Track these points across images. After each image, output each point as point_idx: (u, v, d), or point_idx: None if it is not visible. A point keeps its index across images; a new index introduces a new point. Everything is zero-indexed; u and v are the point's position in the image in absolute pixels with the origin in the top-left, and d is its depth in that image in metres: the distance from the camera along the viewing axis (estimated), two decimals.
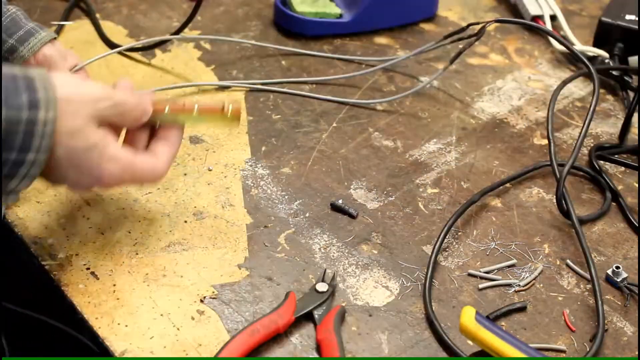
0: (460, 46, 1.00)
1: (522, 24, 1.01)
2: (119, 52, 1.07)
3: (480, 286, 0.77)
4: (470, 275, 0.79)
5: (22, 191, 0.65)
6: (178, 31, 1.06)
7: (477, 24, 0.97)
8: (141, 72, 1.05)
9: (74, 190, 0.72)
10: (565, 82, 0.95)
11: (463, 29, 0.99)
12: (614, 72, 1.06)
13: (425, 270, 0.78)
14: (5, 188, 0.64)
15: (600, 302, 0.74)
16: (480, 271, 0.79)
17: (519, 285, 0.78)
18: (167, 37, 1.07)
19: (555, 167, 0.85)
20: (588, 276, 0.78)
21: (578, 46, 1.11)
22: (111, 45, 1.08)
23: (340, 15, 1.14)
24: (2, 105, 0.60)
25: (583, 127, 0.87)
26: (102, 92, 0.69)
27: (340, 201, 0.86)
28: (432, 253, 0.79)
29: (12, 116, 0.61)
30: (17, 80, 0.62)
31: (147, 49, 1.07)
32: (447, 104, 1.03)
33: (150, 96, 0.74)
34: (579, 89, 1.06)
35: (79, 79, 0.69)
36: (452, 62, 0.99)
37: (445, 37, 1.01)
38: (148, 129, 0.75)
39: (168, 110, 0.74)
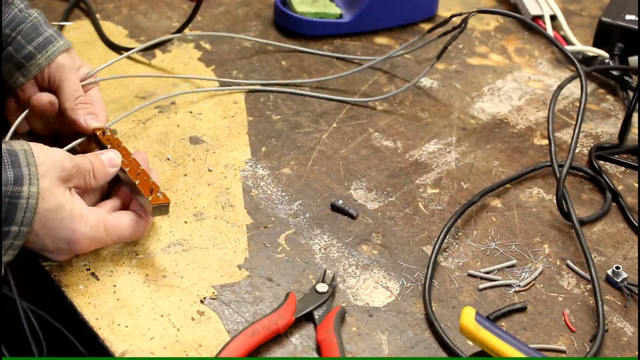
0: (461, 46, 1.00)
1: (504, 14, 1.00)
2: (115, 53, 1.07)
3: (480, 286, 0.77)
4: (470, 275, 0.79)
5: (5, 263, 0.68)
6: (179, 30, 1.06)
7: (460, 14, 0.97)
8: (141, 72, 1.05)
9: (57, 258, 0.75)
10: (563, 83, 0.95)
11: (446, 21, 0.99)
12: (614, 72, 1.06)
13: (425, 270, 0.78)
14: None
15: (600, 303, 0.74)
16: (480, 271, 0.79)
17: (519, 285, 0.78)
18: (170, 36, 1.06)
19: (556, 167, 0.85)
20: (588, 276, 0.79)
21: (578, 46, 1.11)
22: (111, 45, 1.08)
23: (340, 15, 1.14)
24: None
25: (575, 127, 0.87)
26: (66, 156, 0.72)
27: (340, 201, 0.86)
28: (432, 253, 0.79)
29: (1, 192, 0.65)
30: (5, 153, 0.67)
31: (151, 48, 1.07)
32: (447, 104, 1.03)
33: (112, 157, 0.78)
34: (578, 89, 1.06)
35: (46, 147, 0.72)
36: (438, 57, 1.00)
37: (429, 31, 1.01)
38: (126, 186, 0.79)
39: (123, 173, 0.78)
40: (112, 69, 1.00)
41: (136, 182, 0.77)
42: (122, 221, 0.75)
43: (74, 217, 0.71)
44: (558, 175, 0.84)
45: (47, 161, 0.70)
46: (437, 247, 0.80)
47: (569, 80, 0.97)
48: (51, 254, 0.74)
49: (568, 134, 0.98)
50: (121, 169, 0.78)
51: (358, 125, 0.98)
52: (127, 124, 0.95)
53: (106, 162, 0.77)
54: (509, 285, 0.78)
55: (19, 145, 0.69)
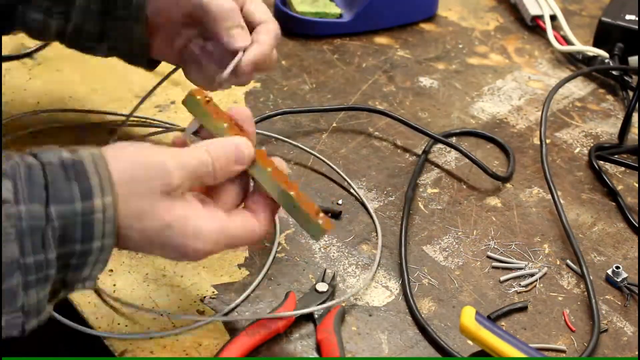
0: (461, 46, 0.99)
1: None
2: None
3: (502, 278, 0.78)
4: (489, 257, 0.80)
5: (98, 276, 0.60)
6: None
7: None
8: (141, 72, 1.05)
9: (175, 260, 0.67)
10: (559, 84, 0.96)
11: None
12: (614, 72, 1.06)
13: (425, 270, 0.78)
14: (79, 278, 0.58)
15: (594, 301, 0.75)
16: (495, 254, 0.79)
17: (520, 285, 0.78)
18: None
19: (547, 168, 0.86)
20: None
21: (578, 46, 1.11)
22: None
23: (340, 15, 1.14)
24: (51, 201, 0.54)
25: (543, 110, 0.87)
26: (171, 163, 0.59)
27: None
28: (401, 230, 0.79)
29: (64, 211, 0.54)
30: (66, 167, 0.56)
31: None
32: (447, 104, 1.03)
33: (241, 148, 0.63)
34: (578, 89, 1.06)
35: (140, 146, 0.60)
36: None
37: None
38: (245, 178, 0.65)
39: (263, 173, 0.64)
40: (112, 70, 1.00)
41: (291, 193, 0.63)
42: (245, 230, 0.63)
43: (185, 235, 0.59)
44: (549, 177, 0.84)
45: (143, 176, 0.58)
46: (404, 224, 0.80)
47: (565, 81, 0.97)
48: (162, 256, 0.64)
49: (568, 134, 0.98)
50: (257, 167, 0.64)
51: (358, 125, 0.98)
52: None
53: (233, 156, 0.63)
54: (521, 269, 0.79)
55: (87, 152, 0.57)
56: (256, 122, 0.88)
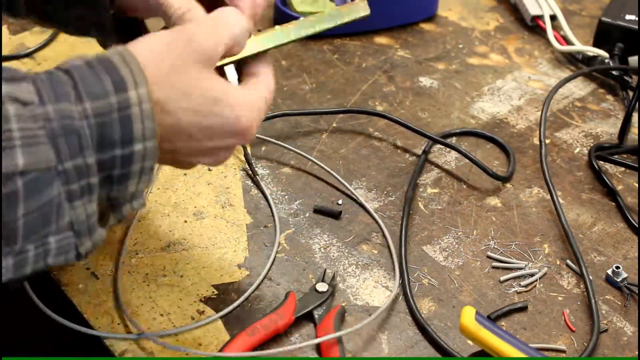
0: (461, 46, 0.99)
1: None
2: None
3: (502, 278, 0.78)
4: (489, 257, 0.80)
5: (147, 192, 0.58)
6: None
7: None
8: None
9: (216, 163, 0.62)
10: (559, 85, 0.96)
11: None
12: (614, 72, 1.06)
13: (425, 270, 0.78)
14: (124, 195, 0.54)
15: (594, 301, 0.75)
16: (495, 254, 0.79)
17: (520, 285, 0.78)
18: None
19: (546, 168, 0.86)
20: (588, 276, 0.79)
21: (578, 46, 1.11)
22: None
23: None
24: (83, 97, 0.50)
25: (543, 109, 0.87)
26: (205, 26, 0.58)
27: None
28: (401, 229, 0.79)
29: (99, 107, 0.50)
30: (93, 65, 0.51)
31: None
32: (447, 104, 1.03)
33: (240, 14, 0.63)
34: (578, 89, 1.06)
35: (162, 34, 0.57)
36: None
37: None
38: None
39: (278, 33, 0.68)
40: None
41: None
42: (266, 89, 0.64)
43: (232, 104, 0.57)
44: (548, 178, 0.84)
45: (178, 44, 0.55)
46: (404, 223, 0.80)
47: (565, 81, 0.97)
48: (212, 157, 0.61)
49: (568, 134, 0.98)
50: None
51: (358, 125, 0.98)
52: None
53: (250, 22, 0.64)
54: (521, 269, 0.79)
55: (112, 49, 0.53)
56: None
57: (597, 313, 0.74)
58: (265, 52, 0.67)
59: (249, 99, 0.59)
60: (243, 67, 0.66)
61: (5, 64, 0.52)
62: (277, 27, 0.68)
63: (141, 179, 0.54)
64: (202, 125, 0.56)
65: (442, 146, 0.95)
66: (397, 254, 0.80)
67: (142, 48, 0.54)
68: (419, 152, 0.93)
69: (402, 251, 0.80)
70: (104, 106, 0.50)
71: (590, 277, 0.77)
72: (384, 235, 0.82)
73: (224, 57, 0.61)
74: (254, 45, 0.66)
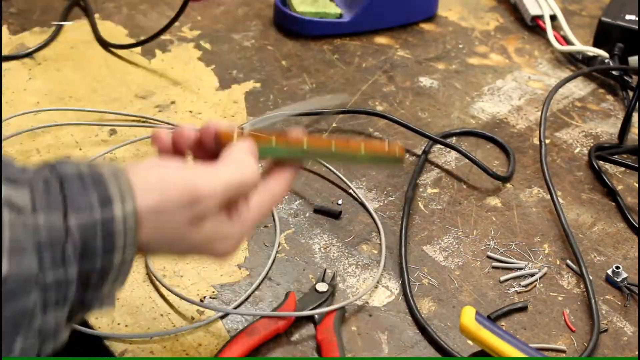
0: (461, 46, 0.99)
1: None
2: (115, 53, 1.07)
3: (502, 278, 0.78)
4: (489, 257, 0.80)
5: (118, 293, 0.57)
6: (165, 29, 1.05)
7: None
8: (141, 72, 1.05)
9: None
10: (559, 85, 0.96)
11: None
12: (614, 72, 1.06)
13: (425, 270, 0.78)
14: (97, 298, 0.54)
15: (594, 301, 0.75)
16: (495, 254, 0.79)
17: (520, 285, 0.78)
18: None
19: (546, 168, 0.86)
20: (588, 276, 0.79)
21: (578, 46, 1.11)
22: (105, 44, 1.08)
23: (340, 15, 1.14)
24: (70, 210, 0.50)
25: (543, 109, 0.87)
26: (206, 189, 0.56)
27: (340, 201, 0.86)
28: (401, 229, 0.79)
29: (84, 220, 0.51)
30: (84, 178, 0.52)
31: (134, 45, 1.07)
32: (447, 104, 1.03)
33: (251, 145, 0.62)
34: (578, 89, 1.06)
35: (167, 167, 0.56)
36: None
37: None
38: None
39: (310, 147, 0.62)
40: (112, 69, 1.00)
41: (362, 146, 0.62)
42: (262, 210, 0.62)
43: (213, 243, 0.58)
44: (548, 178, 0.84)
45: (171, 207, 0.54)
46: (404, 224, 0.80)
47: (565, 81, 0.97)
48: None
49: (568, 134, 0.98)
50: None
51: (358, 125, 0.98)
52: (127, 123, 0.95)
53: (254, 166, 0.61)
54: (521, 269, 0.79)
55: (106, 165, 0.54)
56: (256, 124, 0.88)
57: (597, 313, 0.74)
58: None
59: (235, 234, 0.59)
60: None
61: (4, 156, 0.52)
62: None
63: (115, 283, 0.54)
64: (180, 254, 0.58)
65: (442, 146, 0.95)
66: (397, 254, 0.80)
67: (142, 187, 0.54)
68: (419, 152, 0.93)
69: (402, 251, 0.80)
70: (90, 220, 0.51)
71: (590, 277, 0.77)
72: (383, 235, 0.82)
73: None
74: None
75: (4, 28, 1.11)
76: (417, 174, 0.89)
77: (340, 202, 0.86)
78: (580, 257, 0.79)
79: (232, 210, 0.59)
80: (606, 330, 0.74)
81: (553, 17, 1.17)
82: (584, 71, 1.07)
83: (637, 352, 0.72)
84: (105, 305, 0.55)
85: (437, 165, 0.92)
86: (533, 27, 1.18)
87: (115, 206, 0.51)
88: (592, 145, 0.96)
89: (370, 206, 0.86)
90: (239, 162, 0.59)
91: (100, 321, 0.72)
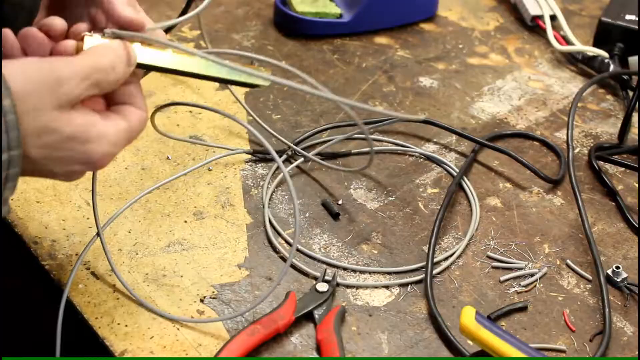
0: (461, 46, 0.99)
1: None
2: None
3: (502, 278, 0.78)
4: (489, 257, 0.80)
5: (9, 198, 0.58)
6: (171, 28, 1.05)
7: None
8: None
9: (70, 180, 0.64)
10: (583, 89, 0.98)
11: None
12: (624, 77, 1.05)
13: (425, 267, 0.78)
14: None
15: (606, 303, 0.75)
16: (494, 255, 0.79)
17: (520, 285, 0.78)
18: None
19: (573, 174, 0.85)
20: (588, 276, 0.79)
21: (578, 46, 1.11)
22: None
23: (340, 15, 1.14)
24: None
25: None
26: (66, 72, 0.57)
27: (340, 201, 0.86)
28: (429, 248, 0.79)
29: None
30: None
31: None
32: (447, 104, 1.03)
33: (125, 45, 0.62)
34: (578, 89, 1.06)
35: (31, 60, 0.58)
36: None
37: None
38: None
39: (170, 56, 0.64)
40: None
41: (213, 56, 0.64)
42: (139, 122, 0.64)
43: (89, 141, 0.59)
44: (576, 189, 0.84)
45: (38, 88, 0.55)
46: (432, 242, 0.80)
47: (589, 85, 0.98)
48: (63, 177, 0.62)
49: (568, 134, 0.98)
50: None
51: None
52: None
53: (124, 57, 0.62)
54: (521, 269, 0.79)
55: None
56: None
57: (610, 314, 0.74)
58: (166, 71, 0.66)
59: (108, 134, 0.60)
60: (114, 94, 0.64)
61: None
62: (175, 48, 0.65)
63: (6, 186, 0.55)
64: (51, 156, 0.58)
65: (442, 146, 0.95)
66: (399, 253, 0.80)
67: (14, 77, 0.55)
68: (419, 152, 0.93)
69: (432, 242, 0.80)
70: None
71: (606, 287, 0.76)
72: (383, 235, 0.82)
73: (95, 94, 0.61)
74: (156, 56, 0.64)
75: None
76: (462, 172, 0.90)
77: (340, 202, 0.86)
78: (600, 266, 0.78)
79: (105, 112, 0.61)
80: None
81: (553, 17, 1.17)
82: (604, 76, 1.05)
83: (637, 352, 0.72)
84: (1, 212, 0.56)
85: (437, 165, 0.92)
86: (533, 27, 1.18)
87: None
88: (592, 145, 0.96)
89: (370, 206, 0.86)
90: (100, 49, 0.60)
91: (100, 321, 0.72)
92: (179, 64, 0.65)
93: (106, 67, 0.60)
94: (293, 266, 0.78)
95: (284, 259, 0.79)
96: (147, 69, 0.65)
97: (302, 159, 0.90)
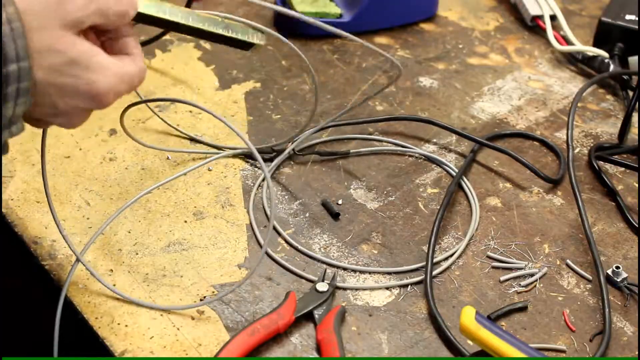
0: (461, 46, 0.99)
1: None
2: None
3: (502, 278, 0.78)
4: (489, 257, 0.80)
5: (21, 115, 0.56)
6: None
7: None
8: None
9: (72, 123, 0.61)
10: (583, 89, 0.98)
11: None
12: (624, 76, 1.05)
13: (425, 266, 0.78)
14: (3, 120, 0.54)
15: (606, 303, 0.75)
16: (495, 255, 0.79)
17: (520, 285, 0.78)
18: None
19: (573, 174, 0.85)
20: (588, 276, 0.79)
21: (578, 46, 1.11)
22: None
23: (340, 15, 1.14)
24: None
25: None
26: None
27: (340, 201, 0.86)
28: (428, 248, 0.79)
29: None
30: None
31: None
32: (447, 104, 1.03)
33: None
34: (578, 88, 1.06)
35: None
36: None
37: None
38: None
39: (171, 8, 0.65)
40: None
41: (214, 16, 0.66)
42: (139, 69, 0.63)
43: (90, 67, 0.57)
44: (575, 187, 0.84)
45: (45, 6, 0.55)
46: (432, 241, 0.80)
47: (589, 85, 0.98)
48: (65, 117, 0.61)
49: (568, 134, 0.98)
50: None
51: (358, 125, 0.98)
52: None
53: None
54: (521, 269, 0.79)
55: None
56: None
57: (610, 314, 0.74)
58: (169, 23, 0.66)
59: (112, 67, 0.59)
60: (113, 44, 0.63)
61: None
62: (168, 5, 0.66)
63: (17, 101, 0.54)
64: (55, 82, 0.56)
65: (442, 146, 0.95)
66: (398, 253, 0.80)
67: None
68: (419, 152, 0.93)
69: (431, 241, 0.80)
70: None
71: (606, 288, 0.76)
72: (383, 235, 0.82)
73: (98, 24, 0.60)
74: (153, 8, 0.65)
75: None
76: (461, 172, 0.90)
77: (340, 202, 0.86)
78: (600, 266, 0.78)
79: (108, 49, 0.61)
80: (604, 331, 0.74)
81: (553, 17, 1.17)
82: (604, 75, 1.05)
83: (637, 352, 0.72)
84: (14, 130, 0.55)
85: (438, 165, 0.92)
86: (533, 27, 1.18)
87: None
88: (592, 145, 0.96)
89: (370, 206, 0.86)
90: None
91: (100, 321, 0.72)
92: (178, 16, 0.65)
93: (109, 5, 0.59)
94: (290, 270, 0.78)
95: (281, 261, 0.79)
96: (146, 21, 0.65)
97: (283, 159, 0.90)
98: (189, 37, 1.11)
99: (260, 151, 0.91)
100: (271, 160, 0.90)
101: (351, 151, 0.92)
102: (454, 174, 0.90)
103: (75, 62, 0.57)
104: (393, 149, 0.94)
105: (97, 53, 0.58)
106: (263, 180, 0.87)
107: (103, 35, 0.62)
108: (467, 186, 0.88)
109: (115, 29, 0.62)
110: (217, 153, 0.91)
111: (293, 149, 0.90)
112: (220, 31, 0.68)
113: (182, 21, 0.66)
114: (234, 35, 0.68)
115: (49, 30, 0.55)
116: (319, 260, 0.79)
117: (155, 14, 0.64)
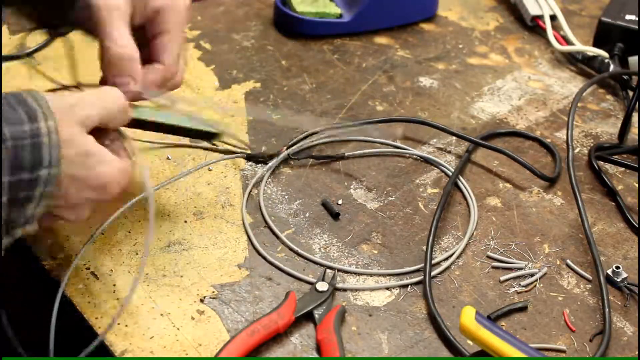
0: (461, 46, 0.99)
1: None
2: None
3: (502, 278, 0.78)
4: (489, 257, 0.80)
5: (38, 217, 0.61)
6: None
7: None
8: None
9: (78, 216, 0.67)
10: (583, 89, 0.98)
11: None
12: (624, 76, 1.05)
13: (424, 266, 0.78)
14: (22, 217, 0.60)
15: (606, 303, 0.75)
16: (495, 255, 0.79)
17: (520, 285, 0.78)
18: None
19: (572, 174, 0.85)
20: (588, 276, 0.79)
21: (578, 46, 1.11)
22: None
23: (340, 15, 1.14)
24: (3, 122, 0.57)
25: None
26: (88, 99, 0.66)
27: (340, 201, 0.86)
28: (427, 248, 0.79)
29: (15, 132, 0.58)
30: (7, 97, 0.60)
31: None
32: (447, 104, 1.03)
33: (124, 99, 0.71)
34: (578, 88, 1.06)
35: (60, 94, 0.66)
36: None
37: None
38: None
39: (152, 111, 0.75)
40: None
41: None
42: (127, 164, 0.69)
43: (101, 160, 0.64)
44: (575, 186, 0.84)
45: (69, 105, 0.63)
46: (430, 241, 0.80)
47: (589, 85, 0.98)
48: (74, 210, 0.66)
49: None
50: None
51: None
52: None
53: (126, 105, 0.70)
54: (521, 269, 0.79)
55: (22, 90, 0.62)
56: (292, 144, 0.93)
57: (610, 314, 0.74)
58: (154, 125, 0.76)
59: (115, 161, 0.66)
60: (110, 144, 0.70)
61: None
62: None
63: (40, 203, 0.60)
64: (70, 173, 0.62)
65: (442, 146, 0.95)
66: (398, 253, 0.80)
67: (54, 101, 0.62)
68: (419, 152, 0.93)
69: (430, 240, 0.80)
70: (20, 131, 0.58)
71: (606, 288, 0.76)
72: (383, 235, 0.82)
73: (103, 127, 0.68)
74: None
75: (4, 28, 1.10)
76: (457, 172, 0.90)
77: (340, 202, 0.86)
78: (600, 265, 0.78)
79: (109, 147, 0.67)
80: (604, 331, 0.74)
81: (553, 17, 1.17)
82: (604, 76, 1.05)
83: (637, 352, 0.72)
84: (28, 229, 0.61)
85: (438, 165, 0.92)
86: (533, 27, 1.18)
87: (41, 122, 0.59)
88: (592, 145, 0.96)
89: (370, 206, 0.86)
90: (103, 91, 0.69)
91: (100, 321, 0.72)
92: (157, 118, 0.76)
93: (112, 111, 0.67)
94: (288, 273, 0.78)
95: (278, 266, 0.79)
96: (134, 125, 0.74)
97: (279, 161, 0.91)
98: (189, 36, 1.11)
99: (254, 156, 0.91)
100: (265, 163, 0.90)
101: (347, 154, 0.92)
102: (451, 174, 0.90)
103: (90, 154, 0.63)
104: (390, 150, 0.94)
105: (101, 148, 0.65)
106: (272, 178, 0.88)
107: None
108: (464, 186, 0.88)
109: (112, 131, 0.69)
110: (213, 151, 0.91)
111: (288, 154, 0.90)
112: (191, 126, 0.77)
113: (161, 121, 0.76)
114: (197, 128, 0.78)
115: (68, 125, 0.62)
116: (317, 264, 0.79)
117: (141, 118, 0.74)
